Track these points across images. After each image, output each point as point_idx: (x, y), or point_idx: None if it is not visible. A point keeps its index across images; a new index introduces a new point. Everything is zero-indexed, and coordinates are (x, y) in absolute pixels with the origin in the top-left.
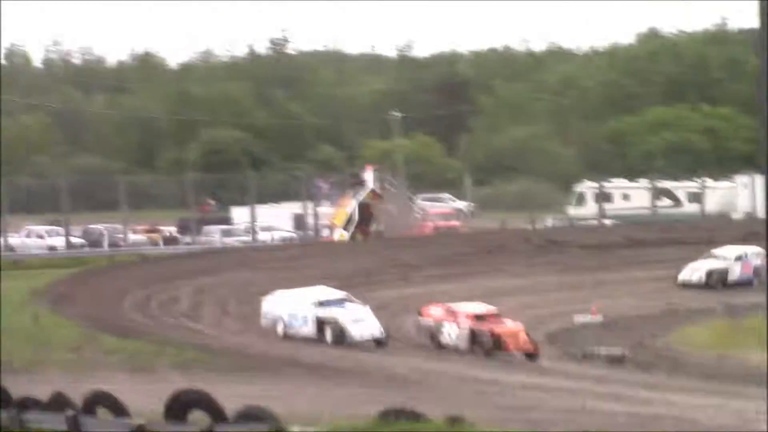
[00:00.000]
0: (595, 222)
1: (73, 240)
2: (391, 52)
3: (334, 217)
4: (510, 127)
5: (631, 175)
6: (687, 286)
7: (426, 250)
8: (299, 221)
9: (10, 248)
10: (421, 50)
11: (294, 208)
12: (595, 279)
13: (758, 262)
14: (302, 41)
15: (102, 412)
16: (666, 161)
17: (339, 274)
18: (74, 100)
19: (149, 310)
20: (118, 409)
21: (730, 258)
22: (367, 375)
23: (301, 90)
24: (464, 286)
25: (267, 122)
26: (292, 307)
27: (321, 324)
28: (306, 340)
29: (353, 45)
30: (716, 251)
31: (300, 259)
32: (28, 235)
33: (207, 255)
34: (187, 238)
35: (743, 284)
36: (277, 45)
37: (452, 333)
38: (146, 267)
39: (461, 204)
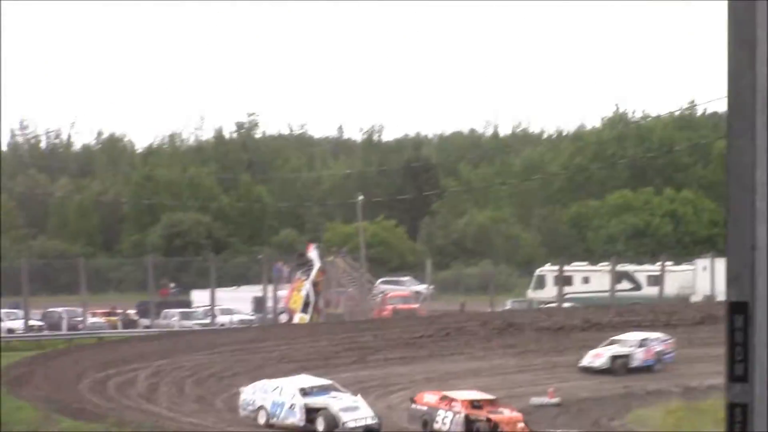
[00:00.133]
0: (554, 305)
1: (33, 323)
2: (356, 136)
3: (291, 301)
4: (473, 211)
5: (593, 258)
6: (589, 371)
7: (385, 332)
8: (259, 304)
9: None
10: (387, 134)
11: (254, 291)
12: (551, 361)
13: (660, 347)
14: (268, 124)
15: None
16: (627, 244)
17: (297, 357)
18: (39, 184)
19: (107, 392)
20: None
21: (634, 344)
22: None
23: (265, 173)
24: (422, 369)
25: (230, 205)
26: (276, 396)
27: (311, 412)
28: (292, 429)
29: (319, 128)
30: (619, 337)
31: (258, 342)
32: None
33: (165, 338)
34: (147, 321)
35: (645, 369)
36: (243, 128)
37: (447, 420)
38: (104, 349)
39: (421, 287)
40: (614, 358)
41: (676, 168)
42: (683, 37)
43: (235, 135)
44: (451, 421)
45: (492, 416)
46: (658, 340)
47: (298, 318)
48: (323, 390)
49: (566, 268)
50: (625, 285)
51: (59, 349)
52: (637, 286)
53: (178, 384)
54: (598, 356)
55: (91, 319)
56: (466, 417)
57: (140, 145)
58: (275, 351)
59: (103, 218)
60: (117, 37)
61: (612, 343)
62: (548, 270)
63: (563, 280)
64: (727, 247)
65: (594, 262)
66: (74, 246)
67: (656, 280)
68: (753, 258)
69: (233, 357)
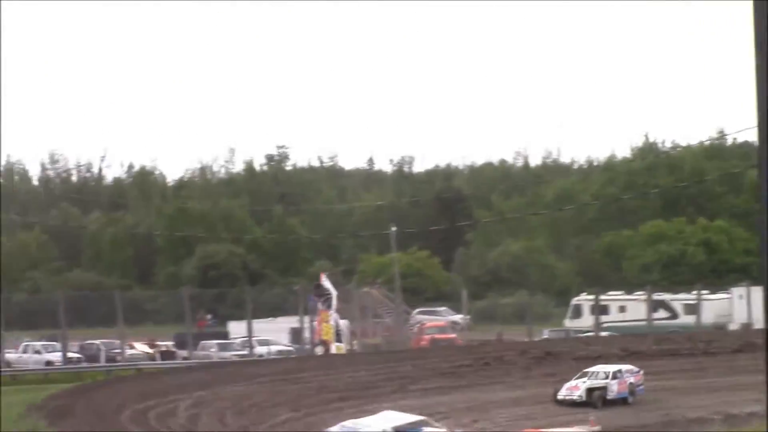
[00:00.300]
0: (591, 334)
1: (71, 355)
2: (387, 167)
3: (323, 333)
4: (507, 241)
5: (628, 287)
6: (566, 404)
7: (424, 362)
8: (296, 335)
9: (7, 364)
10: (418, 165)
11: (291, 322)
12: None
13: (632, 379)
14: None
15: None
16: (662, 273)
17: (336, 387)
18: (71, 217)
19: (148, 422)
20: None
21: (607, 376)
22: None
23: (297, 205)
24: (462, 398)
25: (264, 237)
26: None
27: None
28: None
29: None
30: (590, 369)
31: (297, 372)
32: (25, 351)
33: (204, 369)
34: (184, 353)
35: (619, 401)
36: (274, 160)
37: None
38: (144, 381)
39: (458, 317)
40: (590, 390)
41: (709, 197)
42: (712, 66)
43: (265, 167)
44: None
45: None
46: (630, 372)
47: (335, 348)
48: (416, 426)
49: (602, 297)
50: (661, 314)
51: (98, 381)
52: (674, 315)
53: (219, 414)
54: (574, 389)
55: (129, 351)
56: None
57: (171, 178)
58: (314, 381)
59: (137, 250)
60: (146, 70)
61: (583, 375)
62: (584, 299)
63: (600, 309)
64: (762, 275)
65: (629, 291)
66: (109, 278)
67: (692, 309)
68: None
69: (273, 387)
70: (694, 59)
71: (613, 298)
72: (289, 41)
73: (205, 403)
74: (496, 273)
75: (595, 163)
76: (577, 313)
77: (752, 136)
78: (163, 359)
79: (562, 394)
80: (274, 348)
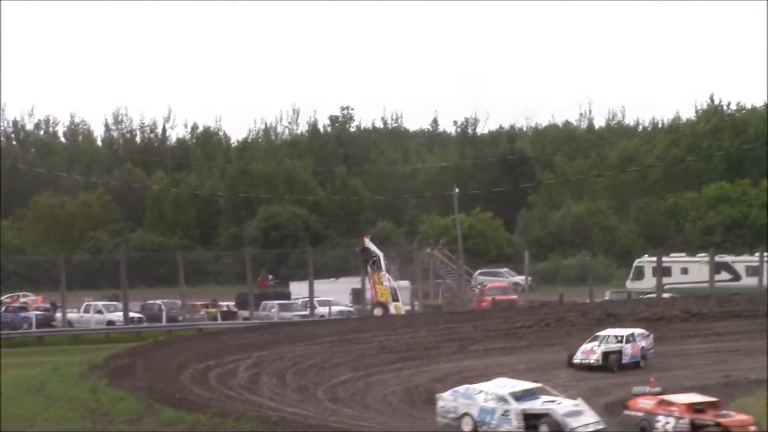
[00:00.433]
0: (653, 295)
1: (132, 315)
2: (451, 129)
3: (378, 295)
4: (570, 203)
5: (690, 249)
6: (581, 367)
7: (484, 323)
8: (357, 295)
9: (69, 323)
10: (482, 127)
11: (352, 282)
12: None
13: (644, 343)
14: (363, 118)
15: None
16: (725, 236)
17: (397, 347)
18: (135, 178)
19: (208, 382)
20: None
21: (620, 339)
22: None
23: (360, 166)
24: (523, 359)
25: (326, 198)
26: (482, 402)
27: (529, 419)
28: None
29: (414, 121)
30: (602, 333)
31: (357, 333)
32: (86, 311)
33: (265, 329)
34: (246, 313)
35: (632, 365)
36: (338, 122)
37: (669, 426)
38: (205, 341)
39: (519, 278)
40: (607, 354)
41: None
42: None
43: (329, 128)
44: (674, 427)
45: (721, 420)
46: (641, 335)
47: (393, 308)
48: (533, 394)
49: (664, 259)
50: (723, 276)
51: (159, 341)
52: (736, 277)
53: (279, 374)
54: (590, 353)
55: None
56: (692, 422)
57: (235, 139)
58: (374, 341)
59: (200, 211)
60: (212, 31)
61: (594, 339)
62: (647, 261)
63: (662, 271)
64: None
65: (692, 253)
66: (171, 239)
67: (755, 271)
68: None
69: (333, 348)
70: (759, 19)
71: (675, 259)
72: (355, 2)
73: (265, 363)
74: (559, 235)
75: (659, 125)
76: (639, 274)
77: None
78: (224, 319)
79: (578, 357)
80: (335, 308)
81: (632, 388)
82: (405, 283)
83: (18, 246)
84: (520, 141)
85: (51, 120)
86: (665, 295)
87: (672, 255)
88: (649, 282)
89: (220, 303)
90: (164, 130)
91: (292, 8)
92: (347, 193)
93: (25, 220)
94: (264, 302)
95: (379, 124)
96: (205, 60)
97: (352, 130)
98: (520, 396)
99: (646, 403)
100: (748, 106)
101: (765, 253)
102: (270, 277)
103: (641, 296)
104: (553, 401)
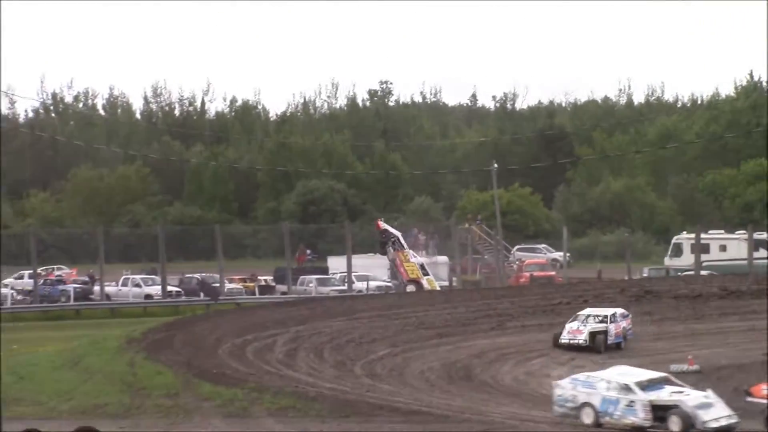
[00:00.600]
0: (691, 272)
1: (170, 289)
2: (489, 104)
3: (409, 272)
4: (608, 179)
5: (729, 226)
6: (568, 348)
7: (522, 299)
8: (395, 270)
9: (107, 297)
10: (521, 102)
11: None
12: (690, 328)
13: (624, 323)
14: (402, 92)
15: None
16: (764, 213)
17: (435, 323)
18: (173, 151)
19: (245, 357)
20: None
21: (605, 319)
22: None
23: (399, 141)
24: None
25: (365, 173)
26: (604, 391)
27: (656, 410)
28: (629, 430)
29: (453, 96)
30: (582, 313)
31: (395, 308)
32: (124, 284)
33: (303, 304)
34: (283, 288)
35: (614, 346)
36: (377, 96)
37: None
38: (242, 315)
39: (557, 254)
40: (594, 334)
41: None
42: None
43: (368, 103)
44: None
45: None
46: (622, 315)
47: (426, 281)
48: (659, 383)
49: (703, 235)
50: (762, 253)
51: (197, 315)
52: None
53: (316, 350)
54: (577, 332)
55: (228, 285)
56: None
57: (274, 113)
58: (412, 317)
59: (238, 185)
60: (251, 4)
61: (575, 319)
62: (685, 238)
63: (700, 248)
64: None
65: (730, 230)
66: (210, 212)
67: None
68: None
69: (371, 323)
70: None
71: (713, 236)
72: None
73: (302, 338)
74: (597, 211)
75: (698, 102)
76: (678, 251)
77: None
78: (261, 294)
79: (566, 338)
80: (373, 283)
81: (669, 366)
82: (443, 258)
83: (56, 219)
84: (559, 116)
85: (90, 92)
86: (703, 273)
87: (710, 232)
88: (687, 259)
89: (259, 277)
90: (203, 103)
91: None
92: (385, 168)
93: (64, 193)
94: (302, 277)
95: (418, 99)
96: (245, 33)
97: (391, 104)
98: (646, 385)
99: None
100: None
101: None
102: (308, 251)
103: (679, 273)
104: (681, 392)
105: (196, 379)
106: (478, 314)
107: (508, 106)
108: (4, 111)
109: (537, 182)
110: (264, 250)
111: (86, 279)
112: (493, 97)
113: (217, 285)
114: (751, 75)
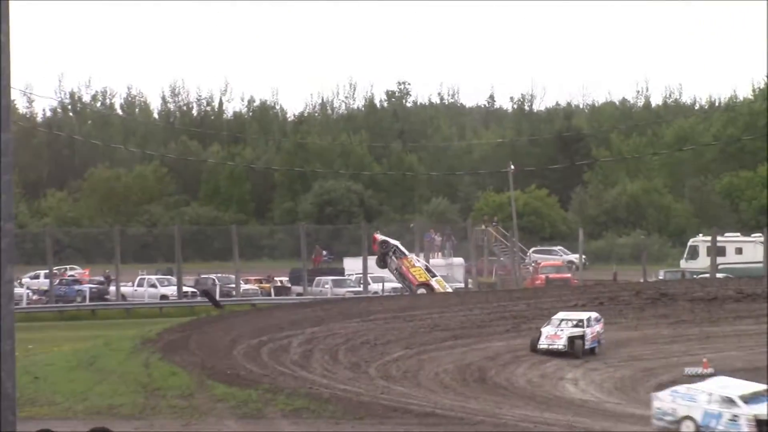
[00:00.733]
0: (707, 275)
1: (186, 289)
2: (507, 105)
3: (417, 276)
4: (625, 181)
5: (745, 229)
6: (547, 353)
7: (538, 301)
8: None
9: (123, 297)
10: (538, 103)
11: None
12: (705, 331)
13: (598, 327)
14: (419, 93)
15: None
16: None
17: (450, 325)
18: (190, 151)
19: (260, 358)
20: None
21: (581, 324)
22: None
23: (416, 142)
24: None
25: (382, 174)
26: (705, 404)
27: (762, 425)
28: None
29: (470, 97)
30: (556, 317)
31: (410, 310)
32: (140, 284)
33: (318, 305)
34: (299, 289)
35: (588, 352)
36: (395, 97)
37: None
38: (258, 316)
39: (573, 256)
40: (572, 339)
41: None
42: None
43: (385, 103)
44: None
45: None
46: (596, 320)
47: (435, 282)
48: (763, 396)
49: (719, 238)
50: None
51: (213, 316)
52: None
53: (331, 351)
54: (555, 337)
55: (243, 286)
56: None
57: (291, 113)
58: (427, 319)
59: (255, 185)
60: (269, 4)
61: (549, 323)
62: (701, 240)
63: (716, 251)
64: None
65: (747, 232)
66: (226, 213)
67: None
68: None
69: (386, 324)
70: None
71: (730, 239)
72: None
73: (317, 339)
74: (613, 213)
75: (716, 104)
76: (694, 254)
77: None
78: (277, 295)
79: (544, 343)
80: (388, 285)
81: (684, 369)
82: (459, 260)
83: (73, 218)
84: (577, 118)
85: (108, 92)
86: (719, 275)
87: (726, 235)
88: (703, 261)
89: (275, 278)
90: (221, 103)
91: None
92: (402, 169)
93: (81, 192)
94: (317, 278)
95: (436, 100)
96: (263, 33)
97: (409, 105)
98: (749, 398)
99: None
100: None
101: None
102: (324, 252)
103: (695, 276)
104: None
105: (211, 380)
106: (494, 316)
107: (526, 107)
108: (22, 110)
109: (554, 184)
110: (280, 251)
111: (102, 279)
112: (511, 99)
113: (220, 286)
114: None
